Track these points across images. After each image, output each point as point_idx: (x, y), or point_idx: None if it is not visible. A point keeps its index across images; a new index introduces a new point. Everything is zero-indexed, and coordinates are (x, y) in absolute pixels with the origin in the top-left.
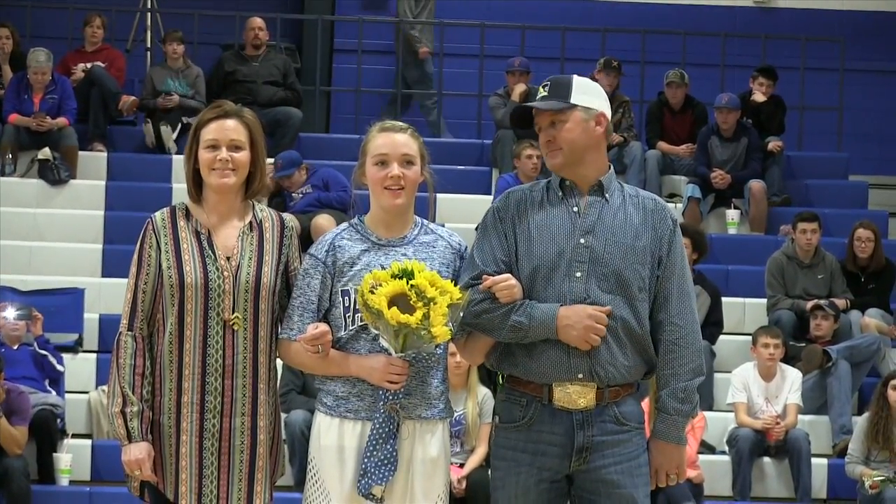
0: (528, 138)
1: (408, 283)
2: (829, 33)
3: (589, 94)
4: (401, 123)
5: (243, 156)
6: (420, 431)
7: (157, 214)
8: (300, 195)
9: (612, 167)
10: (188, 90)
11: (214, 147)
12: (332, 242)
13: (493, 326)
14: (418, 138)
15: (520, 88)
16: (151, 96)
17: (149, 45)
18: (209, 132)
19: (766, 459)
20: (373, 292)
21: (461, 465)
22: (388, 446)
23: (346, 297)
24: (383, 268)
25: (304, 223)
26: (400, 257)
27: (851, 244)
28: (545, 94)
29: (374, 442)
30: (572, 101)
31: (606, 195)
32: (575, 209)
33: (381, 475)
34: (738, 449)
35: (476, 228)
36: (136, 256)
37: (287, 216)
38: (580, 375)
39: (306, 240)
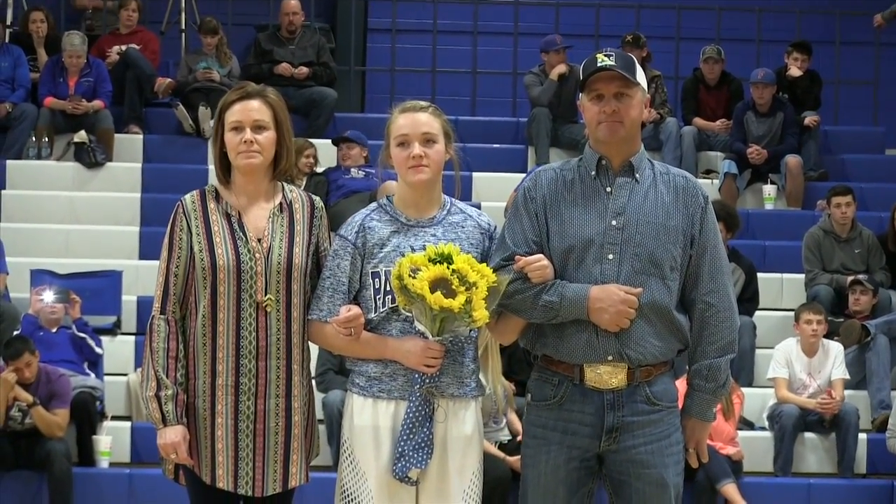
0: (564, 118)
1: (449, 267)
2: (864, 7)
3: (641, 76)
4: (422, 103)
5: (268, 136)
6: (453, 409)
7: (187, 197)
8: (360, 173)
9: (643, 147)
10: (224, 71)
11: (238, 129)
12: (361, 224)
13: (525, 307)
14: (440, 116)
15: (560, 69)
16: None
17: (183, 27)
18: (233, 114)
19: (807, 435)
20: (413, 277)
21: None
22: (425, 430)
23: (377, 280)
24: (413, 249)
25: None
26: (429, 238)
27: (894, 223)
28: (611, 62)
29: (410, 425)
30: (637, 79)
31: (637, 175)
32: (608, 189)
33: (418, 459)
34: (782, 425)
35: (505, 211)
36: (166, 240)
37: (316, 197)
38: (610, 357)
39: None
